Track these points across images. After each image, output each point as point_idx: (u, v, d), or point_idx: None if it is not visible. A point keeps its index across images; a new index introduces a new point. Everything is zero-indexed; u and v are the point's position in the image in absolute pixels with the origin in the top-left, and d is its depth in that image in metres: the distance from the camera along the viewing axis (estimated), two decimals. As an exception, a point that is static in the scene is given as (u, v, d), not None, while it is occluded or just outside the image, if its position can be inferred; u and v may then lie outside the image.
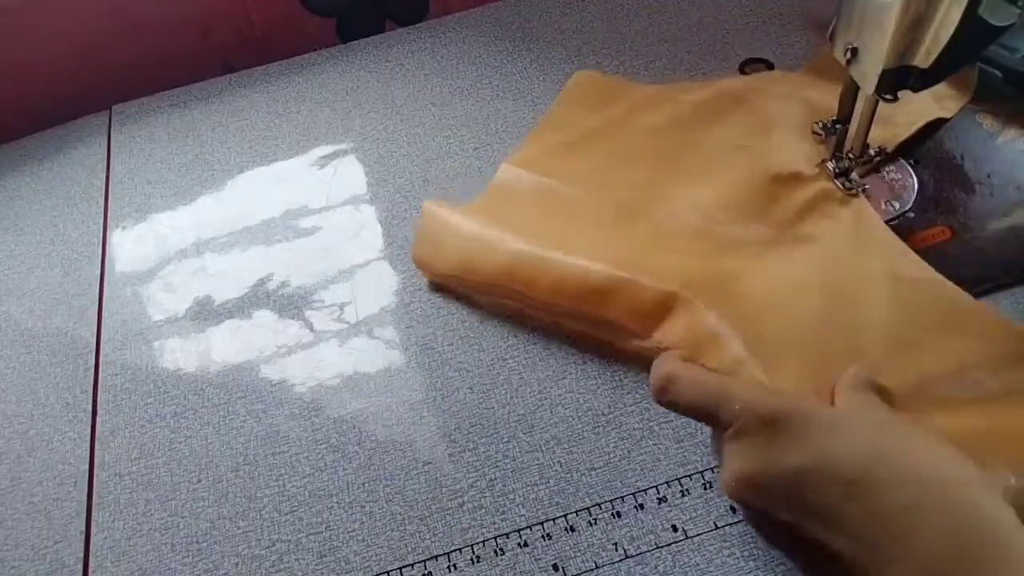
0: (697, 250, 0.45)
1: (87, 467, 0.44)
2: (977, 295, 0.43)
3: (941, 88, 0.50)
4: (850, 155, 0.48)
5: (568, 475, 0.40)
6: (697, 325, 0.40)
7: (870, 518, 0.27)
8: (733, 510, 0.38)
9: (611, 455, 0.40)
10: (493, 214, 0.48)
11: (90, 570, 0.40)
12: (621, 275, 0.42)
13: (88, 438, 0.45)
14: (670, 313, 0.41)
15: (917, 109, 0.50)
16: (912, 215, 0.48)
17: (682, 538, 0.37)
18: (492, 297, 0.46)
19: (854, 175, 0.48)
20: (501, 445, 0.41)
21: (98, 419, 0.46)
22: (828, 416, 0.30)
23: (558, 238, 0.45)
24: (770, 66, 0.58)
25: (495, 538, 0.38)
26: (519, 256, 0.44)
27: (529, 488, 0.40)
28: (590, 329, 0.44)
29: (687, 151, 0.51)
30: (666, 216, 0.47)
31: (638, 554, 0.37)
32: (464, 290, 0.47)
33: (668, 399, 0.32)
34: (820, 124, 0.50)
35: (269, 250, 0.53)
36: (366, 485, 0.41)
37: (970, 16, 0.38)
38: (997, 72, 0.52)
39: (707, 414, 0.31)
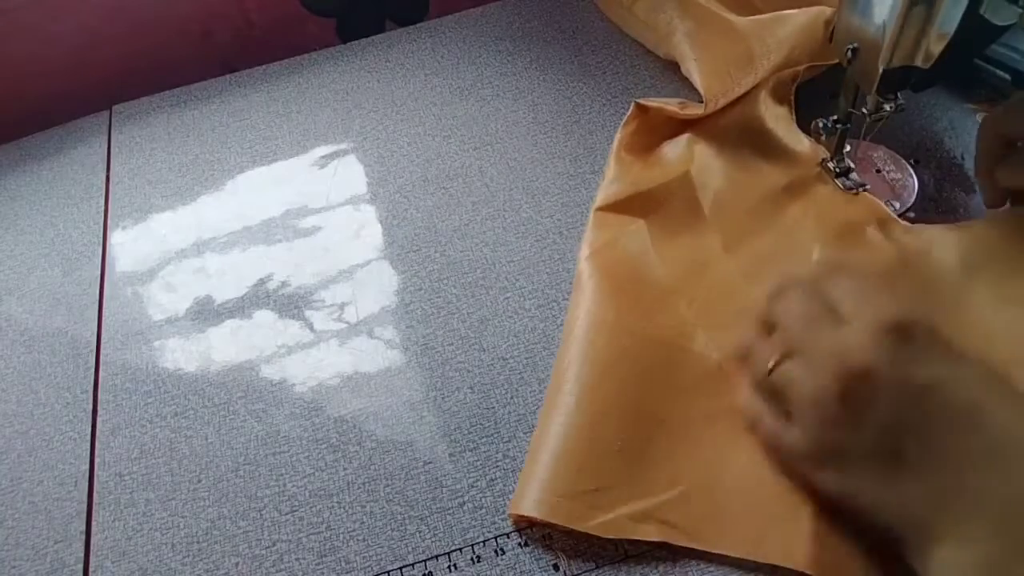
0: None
1: (87, 467, 0.44)
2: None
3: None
4: (850, 154, 0.48)
5: (568, 475, 0.40)
6: None
7: (963, 454, 0.31)
8: (733, 510, 0.38)
9: (611, 455, 0.40)
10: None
11: (90, 570, 0.40)
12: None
13: (88, 438, 0.45)
14: None
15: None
16: (912, 215, 0.48)
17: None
18: None
19: (854, 175, 0.49)
20: (501, 445, 0.41)
21: (98, 419, 0.46)
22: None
23: None
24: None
25: (496, 538, 0.38)
26: None
27: (529, 488, 0.40)
28: None
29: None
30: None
31: (639, 554, 0.37)
32: None
33: None
34: (821, 124, 0.50)
35: (269, 250, 0.53)
36: (366, 485, 0.41)
37: (971, 16, 0.38)
38: (1006, 75, 0.52)
39: None
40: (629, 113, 0.54)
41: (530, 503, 0.37)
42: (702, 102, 0.52)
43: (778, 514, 0.36)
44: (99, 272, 0.53)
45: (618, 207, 0.49)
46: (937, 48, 0.40)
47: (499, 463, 0.41)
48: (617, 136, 0.53)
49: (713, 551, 0.36)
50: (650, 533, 0.36)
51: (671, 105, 0.53)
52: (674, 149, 0.52)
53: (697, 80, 0.53)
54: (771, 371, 0.37)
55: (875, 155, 0.51)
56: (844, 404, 0.33)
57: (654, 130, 0.54)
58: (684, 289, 0.45)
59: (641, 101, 0.53)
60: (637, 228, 0.48)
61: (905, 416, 0.32)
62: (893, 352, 0.32)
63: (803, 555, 0.34)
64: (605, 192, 0.50)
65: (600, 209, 0.49)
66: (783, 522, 0.36)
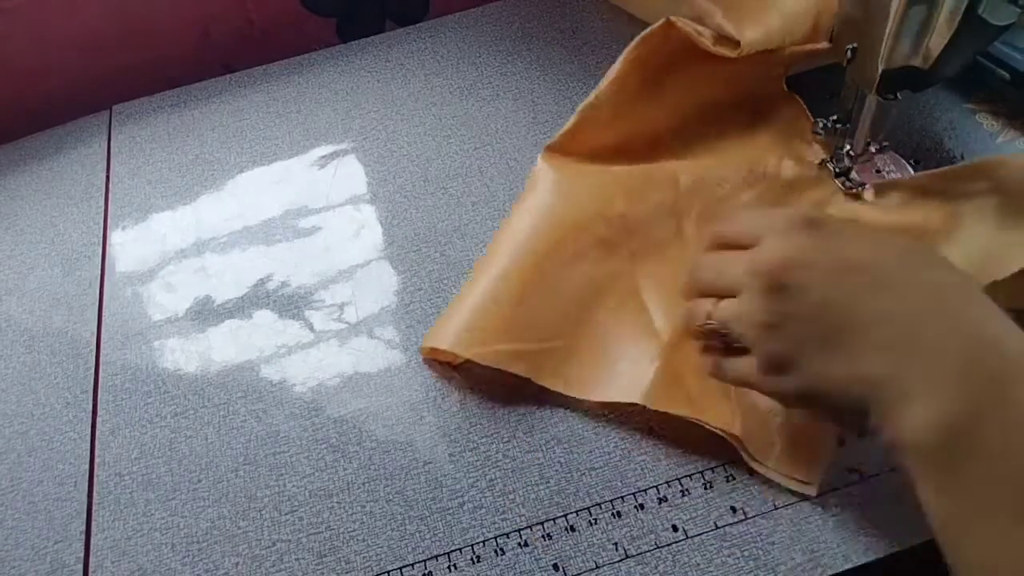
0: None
1: (87, 467, 0.44)
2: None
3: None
4: (850, 153, 0.48)
5: (568, 475, 0.40)
6: None
7: (894, 319, 0.31)
8: (733, 510, 0.38)
9: (611, 455, 0.40)
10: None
11: (90, 570, 0.40)
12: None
13: (88, 438, 0.45)
14: None
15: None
16: (912, 215, 0.48)
17: (682, 538, 0.37)
18: None
19: (854, 174, 0.48)
20: (501, 445, 0.41)
21: (98, 419, 0.46)
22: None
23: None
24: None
25: (495, 538, 0.38)
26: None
27: (529, 488, 0.40)
28: None
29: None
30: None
31: (638, 554, 0.37)
32: None
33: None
34: (821, 124, 0.50)
35: (269, 250, 0.53)
36: (366, 485, 0.41)
37: (970, 16, 0.38)
38: (1005, 73, 0.52)
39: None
40: (653, 28, 0.49)
41: (431, 336, 0.45)
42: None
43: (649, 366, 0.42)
44: (99, 272, 0.53)
45: (599, 135, 0.52)
46: (937, 48, 0.40)
47: (499, 463, 0.41)
48: (633, 50, 0.50)
49: (580, 397, 0.42)
50: (518, 368, 0.43)
51: (704, 37, 0.49)
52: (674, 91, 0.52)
53: (730, 28, 0.48)
54: (710, 318, 0.36)
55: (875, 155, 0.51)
56: (775, 302, 0.33)
57: (670, 55, 0.50)
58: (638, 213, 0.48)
59: (674, 19, 0.49)
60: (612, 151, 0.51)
61: (834, 293, 0.32)
62: (806, 239, 0.33)
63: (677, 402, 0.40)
64: (594, 113, 0.51)
65: (582, 118, 0.51)
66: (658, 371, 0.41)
